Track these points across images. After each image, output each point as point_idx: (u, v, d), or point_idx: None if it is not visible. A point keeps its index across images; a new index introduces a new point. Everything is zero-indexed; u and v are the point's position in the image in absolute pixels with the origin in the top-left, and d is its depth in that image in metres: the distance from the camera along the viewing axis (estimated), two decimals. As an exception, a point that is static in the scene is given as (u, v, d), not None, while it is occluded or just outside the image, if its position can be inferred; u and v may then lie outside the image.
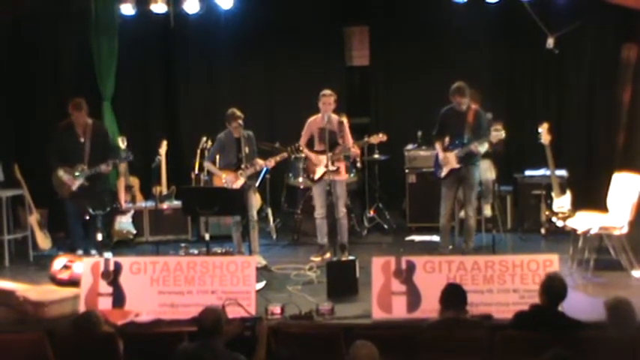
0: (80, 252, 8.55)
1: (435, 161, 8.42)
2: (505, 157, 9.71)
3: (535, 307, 5.46)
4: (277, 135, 9.89)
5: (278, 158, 8.29)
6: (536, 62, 10.15)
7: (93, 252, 8.59)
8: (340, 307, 6.65)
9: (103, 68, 9.91)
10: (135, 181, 9.83)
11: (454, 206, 8.35)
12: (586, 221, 7.63)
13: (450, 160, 8.10)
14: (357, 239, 9.26)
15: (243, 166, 8.16)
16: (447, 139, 8.17)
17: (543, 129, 8.48)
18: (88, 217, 8.72)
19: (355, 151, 8.58)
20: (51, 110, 9.99)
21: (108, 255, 7.81)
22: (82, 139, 8.65)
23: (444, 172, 8.19)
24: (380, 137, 8.51)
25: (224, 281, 6.63)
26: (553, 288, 5.39)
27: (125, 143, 9.14)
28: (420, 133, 9.75)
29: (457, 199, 8.37)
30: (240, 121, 8.12)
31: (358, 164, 9.57)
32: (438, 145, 8.26)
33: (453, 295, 5.56)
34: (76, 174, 8.52)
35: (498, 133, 7.98)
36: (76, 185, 8.56)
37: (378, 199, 10.03)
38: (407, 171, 9.73)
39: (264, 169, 8.77)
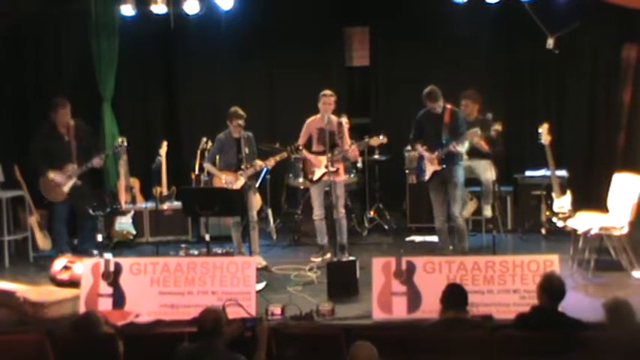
0: (68, 253, 8.53)
1: (418, 165, 8.44)
2: (505, 158, 9.70)
3: (536, 308, 5.46)
4: (277, 135, 9.89)
5: (277, 158, 8.28)
6: (536, 62, 10.15)
7: (94, 252, 8.59)
8: (340, 308, 6.65)
9: (103, 69, 9.90)
10: (135, 182, 9.83)
11: (446, 208, 8.32)
12: (586, 221, 7.63)
13: (432, 162, 8.10)
14: (357, 240, 9.26)
15: (243, 166, 8.16)
16: (426, 142, 8.16)
17: (543, 129, 8.49)
18: (88, 219, 8.72)
19: (354, 153, 8.57)
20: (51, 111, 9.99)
21: (108, 256, 7.81)
22: (67, 138, 8.66)
23: (427, 176, 8.19)
24: (380, 140, 8.50)
25: (224, 282, 6.63)
26: (552, 288, 5.39)
27: (125, 144, 9.14)
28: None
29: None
30: (242, 122, 8.12)
31: (359, 164, 9.57)
32: (419, 147, 8.26)
33: (454, 296, 5.55)
34: (69, 174, 8.51)
35: (474, 130, 7.97)
36: (68, 186, 8.55)
37: (379, 200, 10.03)
38: (407, 171, 9.72)
39: (265, 170, 8.77)
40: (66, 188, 8.56)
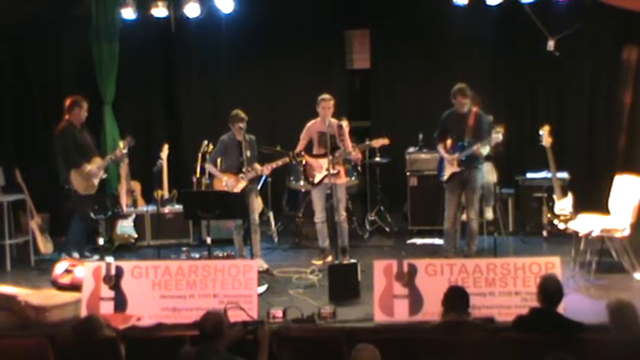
0: (76, 255, 8.52)
1: (438, 165, 8.41)
2: (506, 160, 9.72)
3: (534, 311, 5.45)
4: (278, 138, 9.89)
5: (280, 162, 8.27)
6: (536, 64, 10.16)
7: (95, 256, 8.59)
8: (342, 311, 6.65)
9: (104, 72, 9.92)
10: (136, 185, 9.83)
11: (459, 210, 8.32)
12: (588, 223, 7.63)
13: (452, 163, 8.10)
14: (358, 242, 9.26)
15: (244, 169, 8.16)
16: (449, 143, 8.17)
17: (544, 131, 8.49)
18: (89, 222, 8.71)
19: (357, 155, 8.56)
20: (52, 115, 10.00)
21: (109, 259, 7.81)
22: (85, 134, 8.73)
23: (445, 176, 8.18)
24: (382, 141, 8.52)
25: (226, 285, 6.63)
26: (548, 290, 5.39)
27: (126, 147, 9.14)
28: (421, 136, 9.74)
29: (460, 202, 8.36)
30: (243, 124, 8.11)
31: (359, 167, 9.57)
32: (440, 148, 8.25)
33: (456, 298, 5.54)
34: (98, 166, 8.56)
35: (497, 136, 7.97)
36: (99, 177, 8.60)
37: (380, 202, 10.03)
38: (408, 174, 9.72)
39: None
40: (96, 180, 8.58)
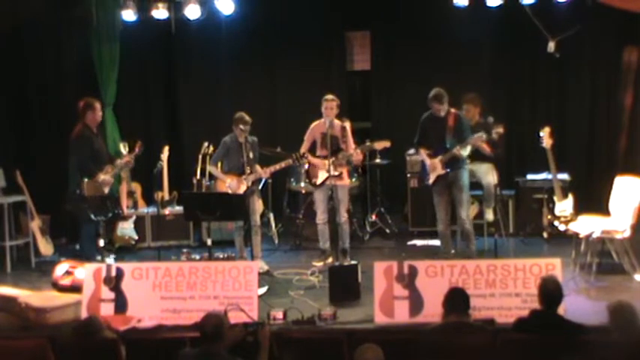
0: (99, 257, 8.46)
1: (421, 168, 8.42)
2: (507, 161, 9.71)
3: (534, 312, 5.45)
4: (279, 140, 9.87)
5: (283, 164, 8.26)
6: (537, 66, 10.16)
7: (97, 257, 8.57)
8: (342, 312, 6.64)
9: (105, 74, 9.91)
10: (137, 187, 9.83)
11: (450, 211, 8.30)
12: (588, 225, 7.63)
13: (436, 167, 8.08)
14: (359, 244, 9.26)
15: (247, 170, 8.15)
16: (431, 146, 8.16)
17: (545, 133, 8.49)
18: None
19: (357, 157, 8.55)
20: (53, 116, 10.01)
21: (110, 261, 7.80)
22: (99, 139, 8.65)
23: (431, 179, 8.17)
24: (384, 143, 8.51)
25: (226, 286, 6.63)
26: (547, 291, 5.39)
27: (127, 149, 9.13)
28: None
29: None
30: (243, 127, 8.10)
31: (360, 169, 9.57)
32: (423, 152, 8.25)
33: (456, 300, 5.53)
34: (110, 174, 8.47)
35: (479, 136, 7.98)
36: (110, 185, 8.51)
37: (380, 204, 10.03)
38: (409, 175, 9.72)
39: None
40: (107, 189, 8.51)
